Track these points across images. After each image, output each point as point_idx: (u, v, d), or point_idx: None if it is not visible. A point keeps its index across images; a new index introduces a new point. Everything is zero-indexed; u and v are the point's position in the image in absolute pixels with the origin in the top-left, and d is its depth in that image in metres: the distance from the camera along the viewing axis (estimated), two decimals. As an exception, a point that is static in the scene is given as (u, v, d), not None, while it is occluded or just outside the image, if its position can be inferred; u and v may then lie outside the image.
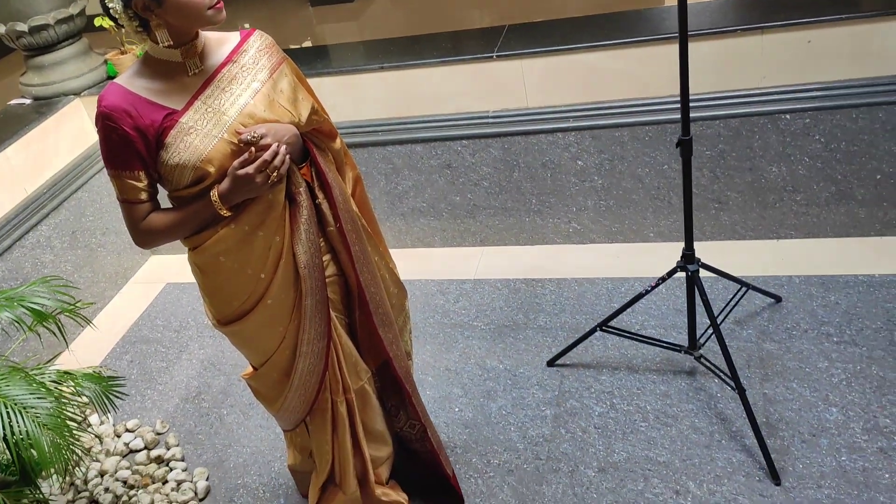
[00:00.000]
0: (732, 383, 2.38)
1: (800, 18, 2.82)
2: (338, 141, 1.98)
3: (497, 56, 3.18)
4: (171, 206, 1.80)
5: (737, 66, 2.95)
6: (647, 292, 2.66)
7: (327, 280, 1.94)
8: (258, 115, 1.72)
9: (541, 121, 3.22)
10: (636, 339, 2.79)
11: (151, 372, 3.34)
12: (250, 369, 2.05)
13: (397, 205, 3.62)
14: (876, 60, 2.80)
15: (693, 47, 2.59)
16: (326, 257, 1.95)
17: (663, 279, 2.61)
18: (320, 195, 1.87)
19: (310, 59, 3.60)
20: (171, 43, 1.65)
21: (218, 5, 1.64)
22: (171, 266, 3.98)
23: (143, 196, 1.74)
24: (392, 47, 3.59)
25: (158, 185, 1.79)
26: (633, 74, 3.07)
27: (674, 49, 2.82)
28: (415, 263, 3.56)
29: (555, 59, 3.14)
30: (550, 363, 2.88)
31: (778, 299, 2.89)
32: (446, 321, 3.23)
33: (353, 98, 3.46)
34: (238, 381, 3.15)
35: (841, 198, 3.03)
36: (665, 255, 2.46)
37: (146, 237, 1.78)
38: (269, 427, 2.89)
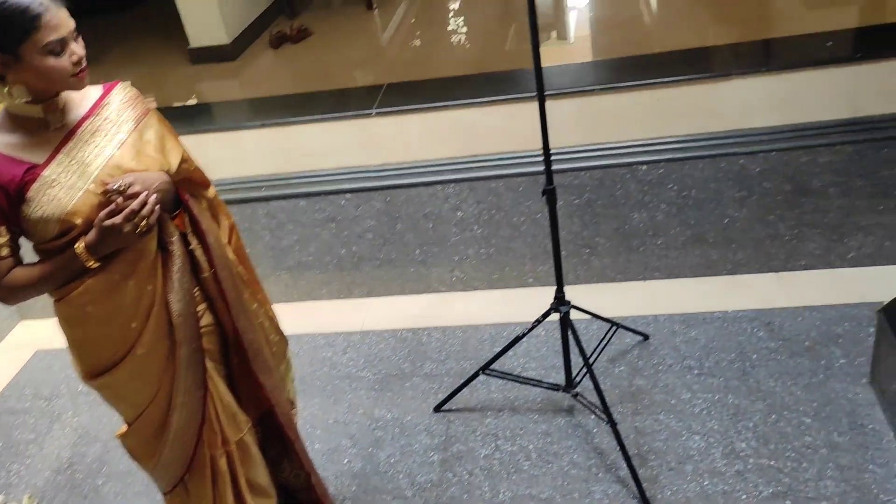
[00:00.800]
0: (606, 418, 2.51)
1: (650, 79, 3.10)
2: (211, 189, 2.00)
3: (377, 112, 3.30)
4: (36, 259, 1.76)
5: (598, 121, 3.19)
6: (524, 335, 2.79)
7: (203, 330, 1.94)
8: (125, 166, 1.72)
9: (421, 174, 3.35)
10: (517, 381, 2.90)
11: (18, 445, 3.17)
12: (125, 427, 2.00)
13: (282, 259, 3.64)
14: (715, 117, 3.11)
15: (556, 104, 2.80)
16: (202, 307, 1.95)
17: (538, 321, 2.75)
18: (194, 241, 1.88)
19: (192, 117, 3.62)
20: (31, 99, 1.64)
21: (81, 74, 1.64)
22: (42, 331, 3.80)
23: (4, 252, 1.70)
24: (274, 104, 3.65)
25: (23, 239, 1.76)
26: (506, 129, 3.26)
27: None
28: (302, 317, 3.57)
29: (432, 115, 3.29)
30: (437, 409, 2.94)
31: (646, 337, 3.08)
32: (334, 373, 3.25)
33: (235, 154, 3.49)
34: (116, 448, 3.03)
35: (695, 241, 3.30)
36: (544, 298, 2.61)
37: (10, 293, 1.74)
38: (149, 494, 2.79)
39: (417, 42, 4.88)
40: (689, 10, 4.50)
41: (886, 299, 2.64)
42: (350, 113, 3.36)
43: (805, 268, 3.27)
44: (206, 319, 1.97)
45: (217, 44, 4.92)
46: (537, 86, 2.24)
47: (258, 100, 3.82)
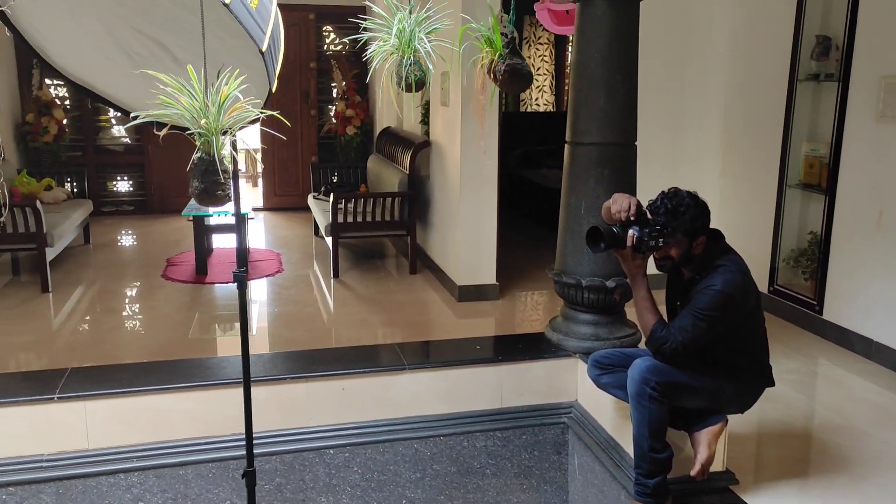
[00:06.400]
0: None
1: (336, 370, 3.48)
2: None
3: (59, 397, 3.17)
4: None
5: (288, 408, 3.43)
6: None
7: None
8: None
9: (102, 462, 3.19)
10: None
11: None
12: None
13: None
14: (394, 405, 3.54)
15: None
16: None
17: None
18: None
19: None
20: None
21: None
22: None
23: None
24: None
25: None
26: (198, 415, 3.32)
27: (234, 391, 3.20)
28: None
29: (120, 400, 3.25)
30: None
31: None
32: None
33: None
34: None
35: (378, 521, 3.52)
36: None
37: None
38: None
39: (98, 326, 4.81)
40: (364, 313, 5.17)
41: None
42: (26, 398, 3.17)
43: (472, 542, 3.63)
44: None
45: None
46: (244, 371, 2.45)
47: None
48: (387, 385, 3.55)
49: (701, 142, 5.52)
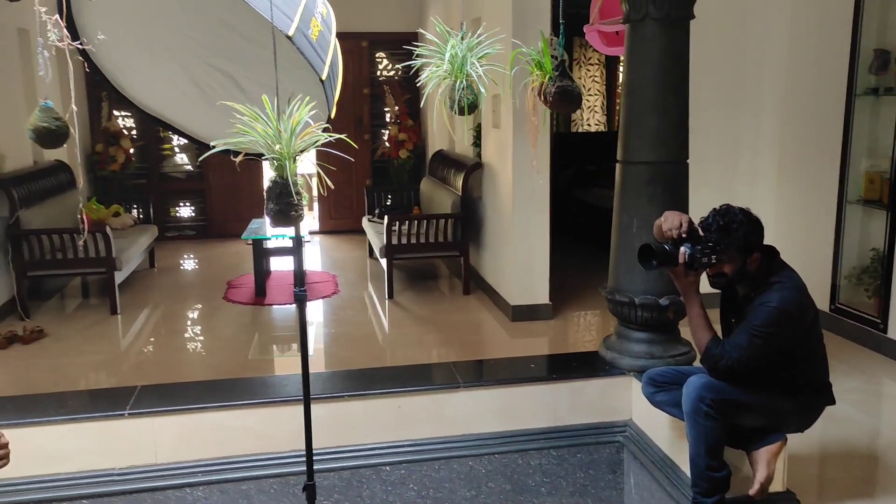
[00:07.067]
0: None
1: (392, 388, 3.55)
2: None
3: (129, 413, 3.31)
4: None
5: (346, 425, 3.50)
6: None
7: None
8: None
9: (169, 476, 3.31)
10: None
11: None
12: None
13: (-11, 579, 3.20)
14: (449, 422, 3.59)
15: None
16: None
17: None
18: None
19: None
20: None
21: None
22: None
23: None
24: (7, 405, 3.48)
25: None
26: (260, 431, 3.42)
27: (294, 409, 3.29)
28: None
29: (186, 416, 3.37)
30: None
31: None
32: None
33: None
34: None
35: (435, 539, 3.56)
36: None
37: None
38: None
39: (163, 347, 4.99)
40: (419, 333, 5.24)
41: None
42: (100, 414, 3.32)
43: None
44: None
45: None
46: (304, 386, 2.54)
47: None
48: (442, 403, 3.60)
49: (757, 159, 5.47)
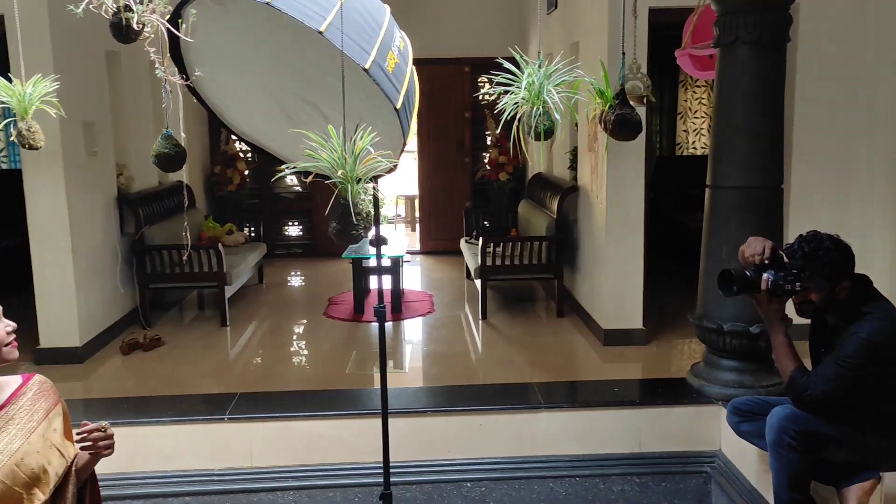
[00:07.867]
0: None
1: (473, 406, 3.63)
2: None
3: (229, 418, 3.54)
4: None
5: (428, 440, 3.60)
6: None
7: None
8: (27, 462, 1.84)
9: (263, 479, 3.52)
10: None
11: None
12: None
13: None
14: (530, 443, 3.62)
15: (393, 423, 3.20)
16: None
17: None
18: None
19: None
20: None
21: (13, 343, 1.90)
22: None
23: None
24: (124, 405, 3.79)
25: None
26: (346, 441, 3.58)
27: (379, 421, 3.42)
28: None
29: (279, 424, 3.57)
30: None
31: None
32: None
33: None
34: None
35: (513, 558, 3.59)
36: None
37: None
38: None
39: (266, 358, 5.27)
40: (510, 354, 5.29)
41: None
42: (201, 417, 3.57)
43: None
44: None
45: (67, 346, 5.04)
46: (382, 404, 2.65)
47: (104, 400, 3.96)
48: (523, 423, 3.64)
49: (869, 184, 5.20)
